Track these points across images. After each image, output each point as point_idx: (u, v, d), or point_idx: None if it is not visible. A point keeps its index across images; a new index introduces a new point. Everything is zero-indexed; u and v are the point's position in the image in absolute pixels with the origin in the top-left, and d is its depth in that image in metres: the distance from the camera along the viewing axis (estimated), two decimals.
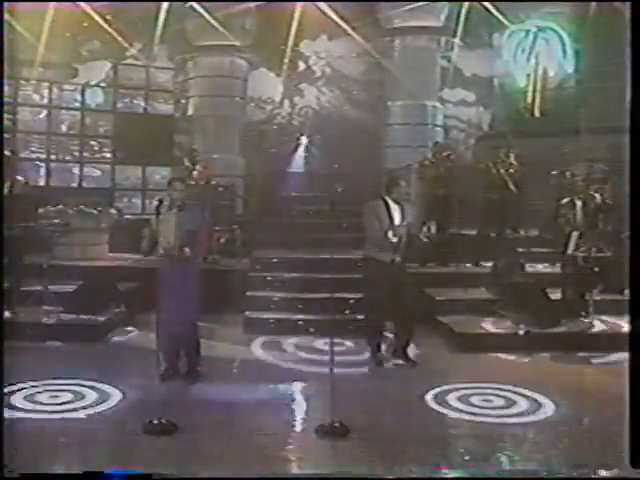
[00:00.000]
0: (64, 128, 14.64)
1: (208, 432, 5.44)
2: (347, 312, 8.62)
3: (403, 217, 7.25)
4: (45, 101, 14.34)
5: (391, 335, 7.64)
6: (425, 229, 7.37)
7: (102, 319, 8.64)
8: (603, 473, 4.76)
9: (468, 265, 10.76)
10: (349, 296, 8.79)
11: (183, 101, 15.37)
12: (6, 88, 13.44)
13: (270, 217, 12.42)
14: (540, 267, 10.37)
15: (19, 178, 9.32)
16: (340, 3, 13.64)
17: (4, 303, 8.22)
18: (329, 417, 5.42)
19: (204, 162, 11.75)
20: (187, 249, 6.54)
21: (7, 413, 5.15)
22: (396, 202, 7.30)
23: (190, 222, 6.67)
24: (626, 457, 4.28)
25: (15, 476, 4.32)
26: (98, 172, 14.76)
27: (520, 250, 10.46)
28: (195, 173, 11.30)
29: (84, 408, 5.85)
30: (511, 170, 10.90)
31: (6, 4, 9.79)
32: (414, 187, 11.64)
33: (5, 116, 13.61)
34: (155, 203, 6.82)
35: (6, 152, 8.85)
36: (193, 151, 11.97)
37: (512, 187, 10.74)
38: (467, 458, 5.01)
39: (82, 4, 12.89)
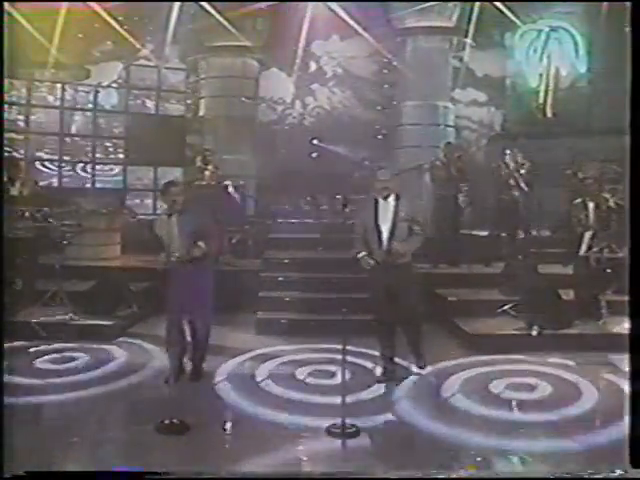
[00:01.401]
0: (77, 129, 14.69)
1: None
2: (359, 313, 8.58)
3: (395, 215, 6.58)
4: (57, 102, 14.39)
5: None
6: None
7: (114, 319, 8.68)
8: (603, 473, 4.75)
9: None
10: (361, 296, 8.78)
11: (190, 101, 15.40)
12: (22, 90, 13.63)
13: (281, 217, 12.44)
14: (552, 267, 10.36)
15: (30, 178, 9.40)
16: (352, 3, 13.64)
17: (18, 303, 8.34)
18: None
19: (215, 162, 11.77)
20: (201, 243, 6.54)
21: None
22: (386, 199, 6.62)
23: (193, 224, 6.61)
24: (626, 457, 4.28)
25: (15, 475, 4.35)
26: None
27: (532, 251, 10.43)
28: (207, 173, 11.32)
29: None
30: (523, 171, 10.88)
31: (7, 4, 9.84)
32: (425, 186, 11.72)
33: (18, 117, 13.74)
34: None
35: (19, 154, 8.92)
36: (205, 151, 11.95)
37: (524, 187, 10.72)
38: None
39: (93, 5, 12.93)
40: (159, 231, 6.66)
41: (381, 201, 6.63)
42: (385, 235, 6.61)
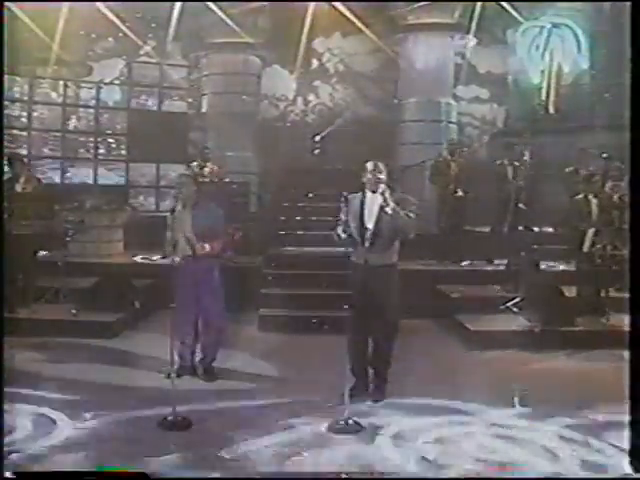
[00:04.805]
0: (78, 125, 14.67)
1: None
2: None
3: (382, 210, 5.89)
4: (60, 99, 14.37)
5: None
6: None
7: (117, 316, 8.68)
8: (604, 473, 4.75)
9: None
10: None
11: (192, 98, 15.39)
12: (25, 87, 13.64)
13: (284, 214, 12.42)
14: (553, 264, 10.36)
15: (34, 176, 9.41)
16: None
17: (19, 300, 8.35)
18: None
19: (217, 160, 11.78)
20: (206, 245, 6.55)
21: None
22: (374, 192, 5.95)
23: (205, 219, 6.67)
24: (626, 457, 4.29)
25: (14, 476, 4.36)
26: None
27: (535, 247, 10.42)
28: (207, 170, 11.34)
29: None
30: (525, 167, 10.88)
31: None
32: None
33: (20, 113, 13.74)
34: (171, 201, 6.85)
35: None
36: (204, 148, 12.00)
37: (526, 184, 10.71)
38: None
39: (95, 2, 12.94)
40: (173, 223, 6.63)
41: (369, 195, 6.02)
42: (369, 231, 5.98)
